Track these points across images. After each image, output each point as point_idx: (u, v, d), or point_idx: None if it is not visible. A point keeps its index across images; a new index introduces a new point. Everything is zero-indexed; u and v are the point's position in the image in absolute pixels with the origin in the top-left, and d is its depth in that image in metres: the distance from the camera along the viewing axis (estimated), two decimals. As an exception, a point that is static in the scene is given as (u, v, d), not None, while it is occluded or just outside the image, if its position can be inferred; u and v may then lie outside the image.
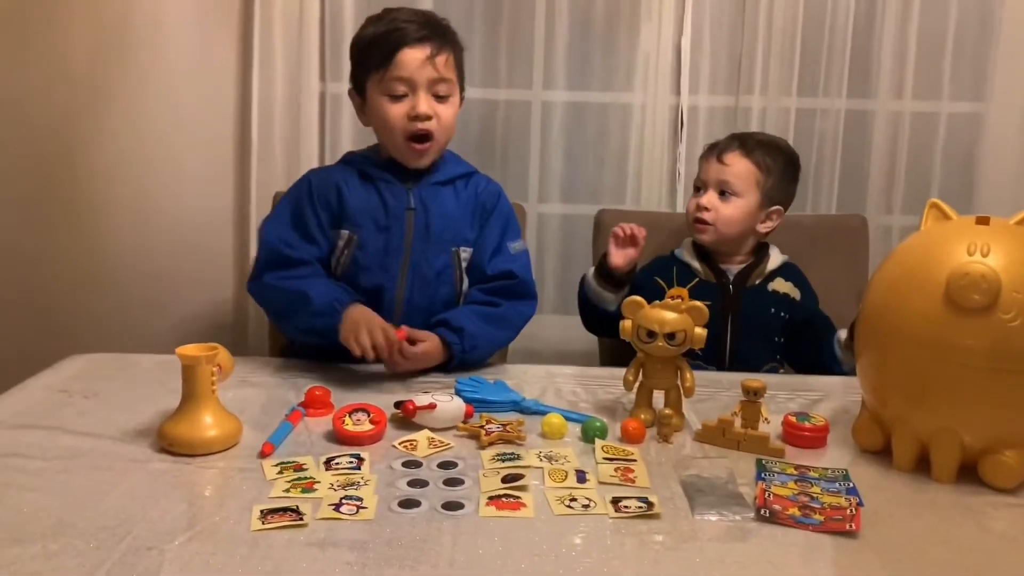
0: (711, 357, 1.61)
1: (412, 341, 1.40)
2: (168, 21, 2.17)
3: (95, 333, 2.18)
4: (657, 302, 1.21)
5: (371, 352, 1.35)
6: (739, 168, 1.68)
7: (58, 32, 2.13)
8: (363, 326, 1.36)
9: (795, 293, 1.69)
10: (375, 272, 1.50)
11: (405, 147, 1.50)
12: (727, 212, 1.67)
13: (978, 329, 1.03)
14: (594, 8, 2.25)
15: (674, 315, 1.20)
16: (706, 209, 1.67)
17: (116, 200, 2.23)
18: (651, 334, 1.20)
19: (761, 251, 1.72)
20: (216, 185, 2.24)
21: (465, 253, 1.56)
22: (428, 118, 1.47)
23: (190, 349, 1.10)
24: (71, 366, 1.42)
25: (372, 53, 1.47)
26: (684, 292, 1.61)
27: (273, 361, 1.48)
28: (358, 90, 1.53)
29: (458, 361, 1.44)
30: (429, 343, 1.41)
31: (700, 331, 1.20)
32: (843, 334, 1.53)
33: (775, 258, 1.72)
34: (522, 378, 1.42)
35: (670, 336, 1.19)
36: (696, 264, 1.70)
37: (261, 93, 2.16)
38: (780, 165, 1.71)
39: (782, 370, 1.71)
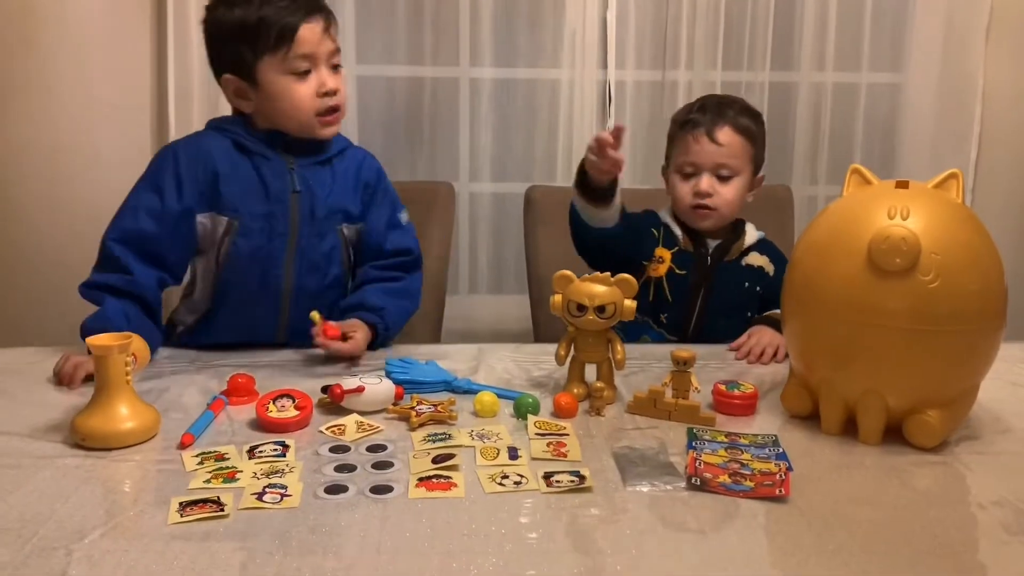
0: (675, 330, 1.59)
1: (345, 337, 1.36)
2: (77, 7, 2.07)
3: (7, 328, 2.08)
4: (587, 275, 1.20)
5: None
6: (734, 146, 1.58)
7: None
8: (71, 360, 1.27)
9: (769, 268, 1.64)
10: (259, 260, 1.43)
11: (316, 123, 1.44)
12: (729, 194, 1.59)
13: (899, 291, 1.04)
14: (519, -19, 2.23)
15: (604, 288, 1.19)
16: (708, 195, 1.58)
17: (28, 190, 2.14)
18: (581, 307, 1.19)
19: (738, 226, 1.66)
20: (132, 173, 2.15)
21: (348, 230, 1.51)
22: (336, 92, 1.43)
23: (102, 339, 1.05)
24: (-28, 362, 1.35)
25: (264, 34, 1.38)
26: (666, 254, 1.62)
27: (193, 351, 1.43)
28: (241, 74, 1.42)
29: (381, 341, 1.42)
30: (360, 332, 1.38)
31: (629, 303, 1.19)
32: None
33: (751, 233, 1.65)
34: (454, 358, 1.40)
35: (600, 309, 1.18)
36: (678, 231, 1.62)
37: (177, 79, 2.09)
38: (758, 128, 1.65)
39: None
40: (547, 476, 0.98)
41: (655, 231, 1.63)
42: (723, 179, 1.60)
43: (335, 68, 1.45)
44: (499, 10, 2.24)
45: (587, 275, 1.21)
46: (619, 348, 1.21)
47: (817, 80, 2.32)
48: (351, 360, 1.37)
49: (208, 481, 0.95)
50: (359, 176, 1.53)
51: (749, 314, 1.63)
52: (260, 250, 1.42)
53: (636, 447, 1.06)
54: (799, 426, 1.16)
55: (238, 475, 0.97)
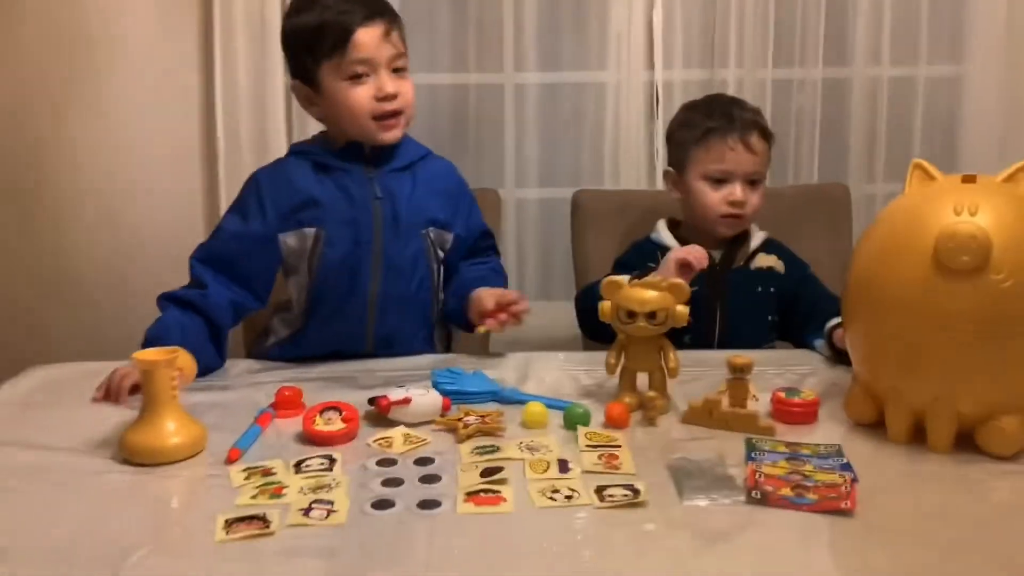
0: (701, 345, 1.52)
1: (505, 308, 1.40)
2: (125, 19, 2.10)
3: (59, 341, 2.12)
4: (636, 281, 1.17)
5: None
6: (764, 152, 1.57)
7: (5, 35, 2.06)
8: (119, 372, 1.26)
9: (779, 266, 1.60)
10: (348, 268, 1.44)
11: (376, 128, 1.43)
12: (757, 201, 1.57)
13: (969, 292, 0.99)
14: (563, -15, 2.20)
15: (654, 294, 1.15)
16: (743, 203, 1.55)
17: (79, 205, 2.17)
18: (631, 314, 1.15)
19: (742, 231, 1.63)
20: (182, 185, 2.18)
21: (435, 234, 1.51)
22: (395, 96, 1.42)
23: (148, 354, 1.05)
24: (31, 379, 1.36)
25: (322, 40, 1.39)
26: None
27: (241, 363, 1.42)
28: (306, 80, 1.45)
29: None
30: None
31: (681, 309, 1.15)
32: (820, 344, 1.43)
33: (756, 236, 1.62)
34: (501, 367, 1.37)
35: (651, 315, 1.14)
36: (677, 247, 1.57)
37: (225, 89, 2.10)
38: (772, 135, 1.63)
39: None
40: (599, 490, 0.94)
41: (652, 264, 1.54)
42: (753, 186, 1.57)
43: (397, 72, 1.44)
44: (543, 14, 2.20)
45: (636, 280, 1.17)
46: (672, 356, 1.17)
47: (873, 74, 2.23)
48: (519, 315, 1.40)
49: (254, 497, 0.94)
50: (441, 183, 1.54)
51: (770, 318, 1.58)
52: (348, 257, 1.43)
53: (692, 459, 1.02)
54: (863, 434, 1.11)
55: (284, 490, 0.95)
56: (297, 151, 1.52)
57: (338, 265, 1.43)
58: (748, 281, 1.59)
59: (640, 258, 1.59)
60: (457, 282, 1.53)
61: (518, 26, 2.20)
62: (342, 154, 1.47)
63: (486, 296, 1.40)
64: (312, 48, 1.41)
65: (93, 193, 2.16)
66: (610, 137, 2.23)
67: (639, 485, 0.95)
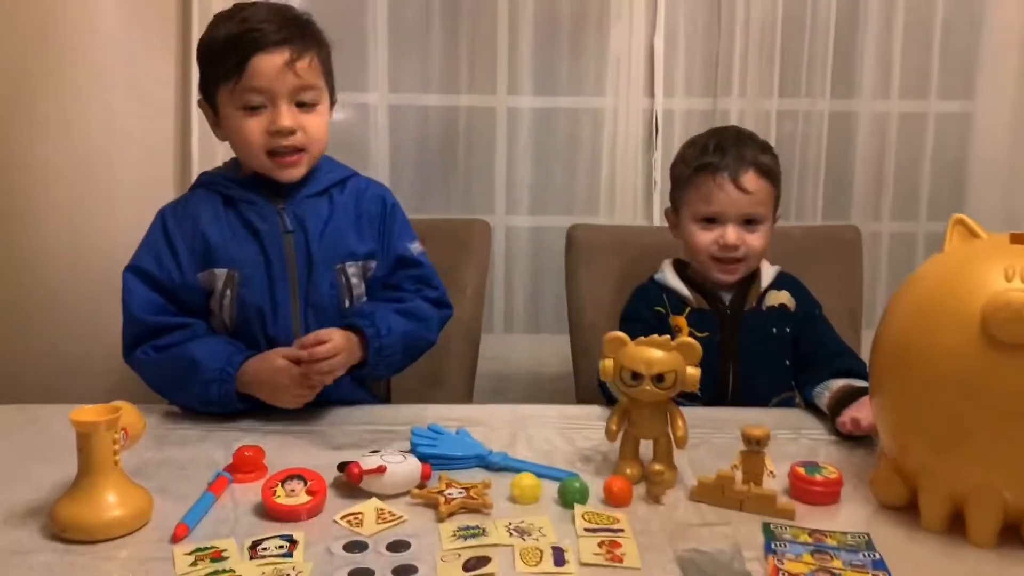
0: (712, 398, 1.40)
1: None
2: (98, 27, 1.97)
3: (21, 370, 1.97)
4: (642, 338, 1.05)
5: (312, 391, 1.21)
6: (760, 192, 1.43)
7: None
8: (283, 374, 1.20)
9: (791, 303, 1.48)
10: (266, 310, 1.31)
11: (270, 164, 1.31)
12: (757, 244, 1.43)
13: (1021, 367, 0.87)
14: (560, 7, 2.09)
15: (662, 353, 1.03)
16: (735, 247, 1.42)
17: (46, 199, 2.00)
18: (636, 376, 1.03)
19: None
20: (155, 196, 2.03)
21: (352, 268, 1.36)
22: (292, 132, 1.29)
23: (84, 413, 0.92)
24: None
25: (221, 60, 1.27)
26: (682, 322, 1.44)
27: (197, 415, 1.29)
28: (209, 100, 1.33)
29: (374, 350, 1.26)
30: (336, 337, 1.22)
31: (693, 371, 1.03)
32: (824, 399, 1.30)
33: (767, 271, 1.49)
34: (488, 422, 1.25)
35: (659, 378, 1.02)
36: (685, 291, 1.47)
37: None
38: (777, 167, 1.49)
39: (797, 400, 1.46)
40: (600, 590, 0.82)
41: (660, 309, 1.46)
42: (749, 227, 1.43)
43: (303, 106, 1.30)
44: (539, 36, 2.10)
45: (643, 338, 1.05)
46: (680, 423, 1.05)
47: (881, 109, 2.15)
48: (326, 373, 1.21)
49: (200, 591, 0.81)
50: (360, 207, 1.39)
51: (787, 362, 1.45)
52: (264, 299, 1.30)
53: (705, 549, 0.90)
54: (893, 519, 0.99)
55: (235, 581, 0.83)
56: (204, 182, 1.38)
57: (255, 307, 1.30)
58: (762, 323, 1.45)
59: (646, 304, 1.47)
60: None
61: (513, 47, 2.09)
62: (248, 183, 1.34)
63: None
64: (214, 66, 1.29)
65: (64, 210, 2.01)
66: (607, 166, 2.12)
67: (646, 584, 0.83)
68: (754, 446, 1.01)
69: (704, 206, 1.44)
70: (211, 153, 1.96)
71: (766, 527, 0.95)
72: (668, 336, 1.04)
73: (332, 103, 1.38)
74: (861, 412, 1.18)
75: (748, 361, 1.43)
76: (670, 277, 1.49)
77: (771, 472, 1.02)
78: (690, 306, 1.45)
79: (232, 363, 1.23)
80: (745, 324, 1.45)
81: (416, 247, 1.43)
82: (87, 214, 2.01)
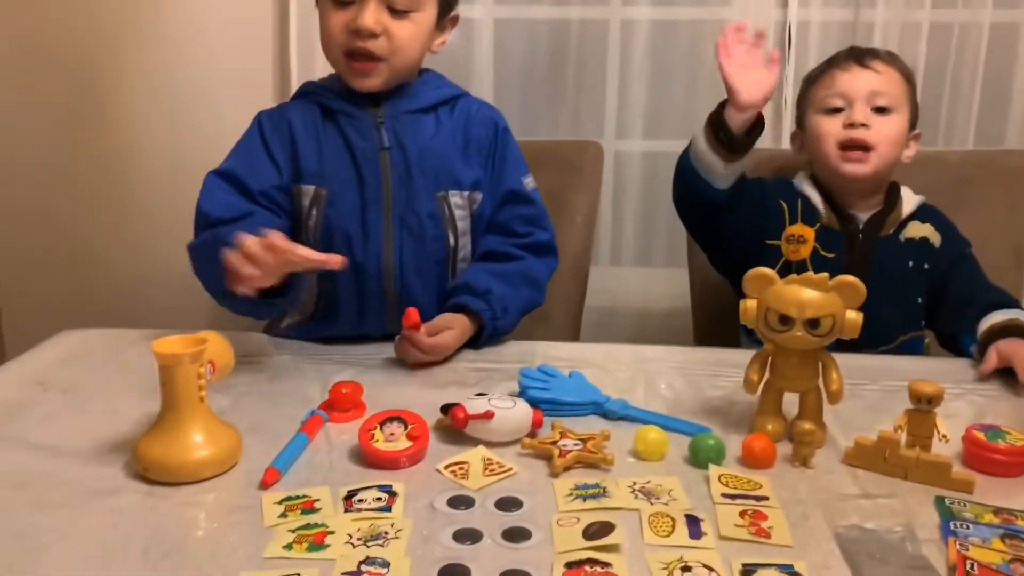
0: None
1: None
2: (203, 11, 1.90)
3: (122, 297, 1.96)
4: (794, 276, 0.89)
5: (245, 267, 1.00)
6: (891, 76, 1.32)
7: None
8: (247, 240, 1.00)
9: (935, 237, 1.33)
10: (354, 235, 1.20)
11: (344, 65, 1.20)
12: (888, 130, 1.30)
13: None
14: (683, -93, 1.88)
15: (818, 294, 0.88)
16: (864, 126, 1.28)
17: (147, 152, 1.98)
18: (785, 319, 0.88)
19: (893, 192, 1.36)
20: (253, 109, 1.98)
21: (456, 198, 1.24)
22: (373, 35, 1.16)
23: (168, 344, 0.83)
24: (59, 346, 1.19)
25: None
26: (808, 232, 1.30)
27: (291, 343, 1.21)
28: None
29: (489, 334, 1.17)
30: (449, 331, 1.13)
31: (854, 316, 0.88)
32: (975, 349, 1.18)
33: (909, 200, 1.35)
34: (605, 365, 1.12)
35: (813, 323, 0.87)
36: (819, 203, 1.33)
37: (300, 29, 1.87)
38: (912, 75, 1.38)
39: (927, 341, 1.36)
40: (747, 572, 0.69)
41: (784, 203, 1.32)
42: (880, 112, 1.30)
43: (396, 13, 1.17)
44: (658, -63, 1.90)
45: (794, 276, 0.90)
46: (835, 376, 0.90)
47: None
48: (427, 356, 1.11)
49: (289, 547, 0.72)
50: (468, 131, 1.26)
51: (919, 300, 1.31)
52: (354, 222, 1.20)
53: (869, 527, 0.76)
54: (1094, 497, 0.83)
55: (328, 537, 0.73)
56: (304, 91, 1.28)
57: (343, 229, 1.20)
58: (897, 253, 1.32)
59: (776, 192, 1.36)
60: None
61: (629, -48, 1.90)
62: (348, 94, 1.22)
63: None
64: None
65: (161, 141, 1.97)
66: (731, 84, 1.92)
67: (800, 567, 0.70)
68: (924, 405, 0.86)
69: (828, 92, 1.33)
70: (310, 68, 1.87)
71: (940, 502, 0.80)
72: (826, 274, 0.88)
73: (447, 19, 1.26)
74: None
75: (876, 292, 1.26)
76: (806, 186, 1.36)
77: (943, 436, 0.86)
78: (820, 222, 1.32)
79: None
80: (878, 251, 1.31)
81: (529, 182, 1.31)
82: (189, 154, 1.96)
